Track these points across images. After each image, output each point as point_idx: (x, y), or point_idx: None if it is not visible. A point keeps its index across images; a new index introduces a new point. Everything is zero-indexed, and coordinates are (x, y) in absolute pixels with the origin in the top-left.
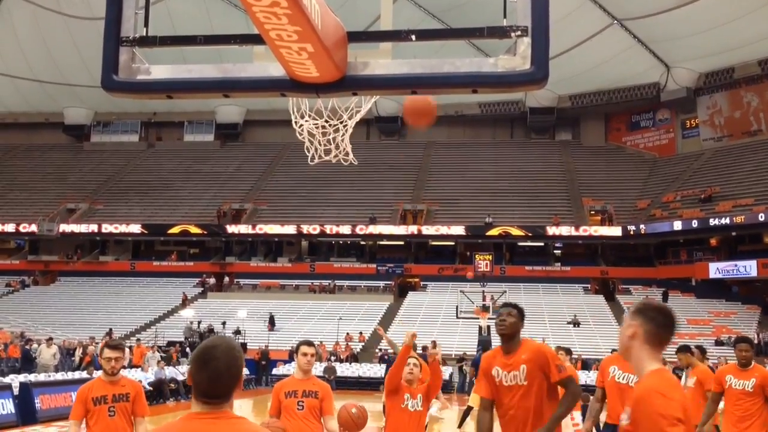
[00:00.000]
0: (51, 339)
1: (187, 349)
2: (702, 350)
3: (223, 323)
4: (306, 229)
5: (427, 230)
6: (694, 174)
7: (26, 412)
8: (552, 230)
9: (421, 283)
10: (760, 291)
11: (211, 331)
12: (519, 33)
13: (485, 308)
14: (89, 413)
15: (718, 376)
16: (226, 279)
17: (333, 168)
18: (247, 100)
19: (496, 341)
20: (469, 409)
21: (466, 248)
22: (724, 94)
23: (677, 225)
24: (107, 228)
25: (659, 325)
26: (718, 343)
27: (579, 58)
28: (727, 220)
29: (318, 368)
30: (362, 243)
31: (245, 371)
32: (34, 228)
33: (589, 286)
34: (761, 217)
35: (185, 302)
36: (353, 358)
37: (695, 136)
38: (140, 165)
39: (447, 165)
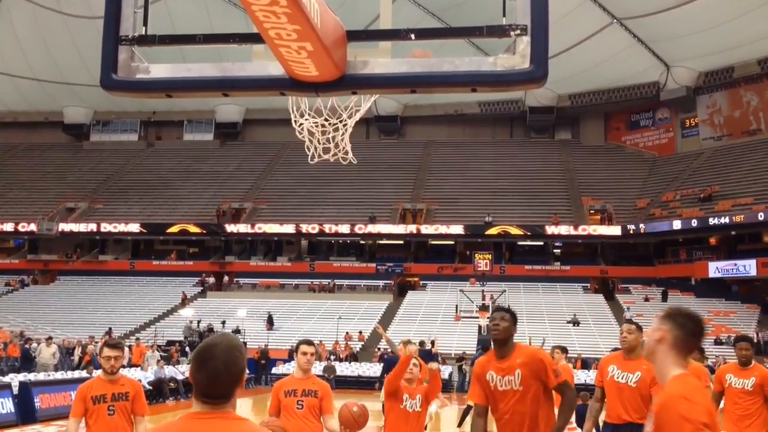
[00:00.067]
0: (50, 338)
1: (187, 349)
2: (700, 350)
3: (223, 322)
4: (305, 228)
5: (426, 229)
6: (693, 173)
7: (26, 411)
8: (551, 229)
9: (421, 282)
10: (760, 290)
11: (210, 330)
12: (518, 32)
13: (485, 307)
14: (88, 412)
15: (719, 375)
16: (226, 278)
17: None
18: (247, 100)
19: None
20: (469, 408)
21: (466, 247)
22: (723, 93)
23: (677, 224)
24: (106, 227)
25: (689, 333)
26: (718, 342)
27: (578, 57)
28: (727, 220)
29: (317, 367)
30: (362, 242)
31: None
32: (33, 227)
33: (588, 285)
34: (761, 217)
35: (185, 301)
36: (353, 357)
37: (695, 135)
38: (140, 164)
39: (446, 164)
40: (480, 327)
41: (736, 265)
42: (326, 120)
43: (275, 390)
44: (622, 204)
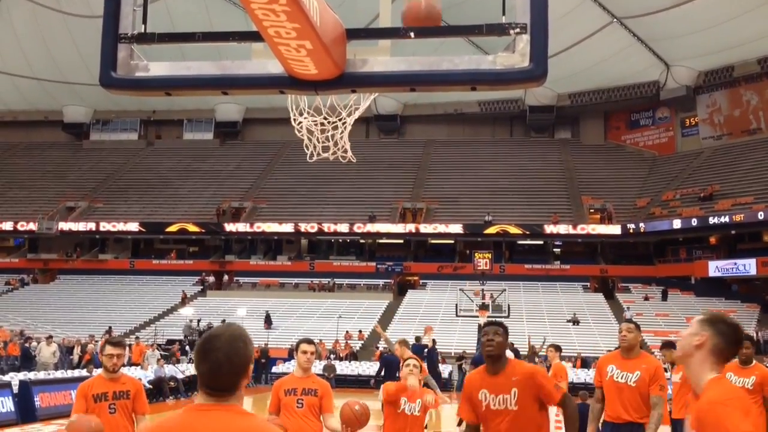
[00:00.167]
0: (51, 337)
1: (187, 348)
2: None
3: (223, 321)
4: (304, 227)
5: (425, 228)
6: (693, 172)
7: (26, 410)
8: (550, 229)
9: (421, 281)
10: (760, 289)
11: (210, 329)
12: (518, 30)
13: (485, 306)
14: (90, 410)
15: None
16: (226, 277)
17: (332, 166)
18: (247, 98)
19: None
20: None
21: (466, 247)
22: (723, 92)
23: (677, 223)
24: (105, 226)
25: (729, 342)
26: None
27: (578, 57)
28: (727, 219)
29: (317, 366)
30: (362, 241)
31: None
32: (33, 226)
33: (588, 284)
34: (761, 216)
35: (185, 300)
36: (353, 356)
37: (695, 134)
38: (139, 163)
39: (446, 163)
40: (479, 326)
41: (736, 264)
42: (325, 119)
43: (275, 389)
44: (622, 203)
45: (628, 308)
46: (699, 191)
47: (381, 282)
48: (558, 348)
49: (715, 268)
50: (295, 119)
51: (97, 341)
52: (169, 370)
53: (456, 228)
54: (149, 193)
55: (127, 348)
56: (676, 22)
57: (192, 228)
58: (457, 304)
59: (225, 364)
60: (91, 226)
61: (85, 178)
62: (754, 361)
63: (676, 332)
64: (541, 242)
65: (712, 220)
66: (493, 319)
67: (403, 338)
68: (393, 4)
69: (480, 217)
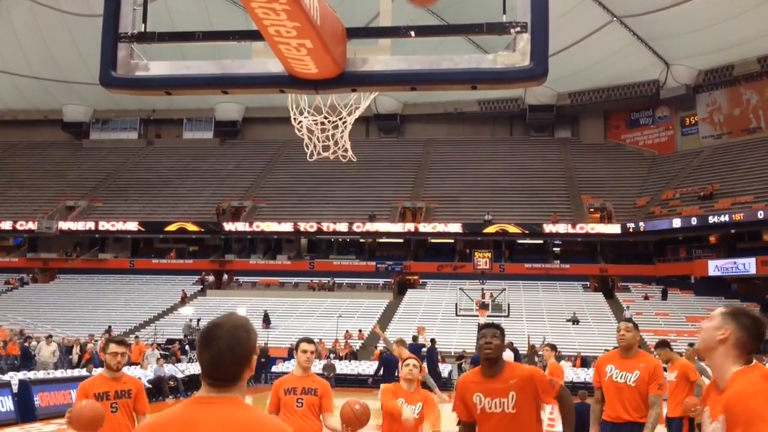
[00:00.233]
0: (50, 336)
1: (187, 347)
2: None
3: None
4: (304, 226)
5: (425, 228)
6: (693, 171)
7: (25, 409)
8: (549, 228)
9: (421, 280)
10: (759, 288)
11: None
12: (518, 29)
13: (484, 306)
14: None
15: None
16: (226, 277)
17: (332, 166)
18: (247, 98)
19: None
20: None
21: (466, 246)
22: (723, 91)
23: (676, 222)
24: (104, 225)
25: (752, 336)
26: None
27: (578, 56)
28: (727, 218)
29: (317, 366)
30: (361, 241)
31: None
32: (33, 225)
33: (588, 283)
34: (760, 215)
35: (184, 300)
36: (352, 355)
37: (694, 133)
38: (139, 162)
39: (446, 162)
40: (479, 325)
41: (735, 263)
42: (326, 118)
43: (275, 388)
44: (621, 202)
45: (627, 307)
46: (699, 190)
47: (381, 281)
48: (554, 347)
49: (715, 267)
50: (295, 118)
51: (96, 341)
52: (169, 369)
53: (455, 227)
54: (149, 193)
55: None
56: (676, 21)
57: (192, 227)
58: (457, 304)
59: (227, 354)
60: (91, 225)
61: (84, 177)
62: (754, 361)
63: (676, 331)
64: (541, 241)
65: (712, 220)
66: (490, 321)
67: (401, 338)
68: (393, 3)
69: (480, 216)
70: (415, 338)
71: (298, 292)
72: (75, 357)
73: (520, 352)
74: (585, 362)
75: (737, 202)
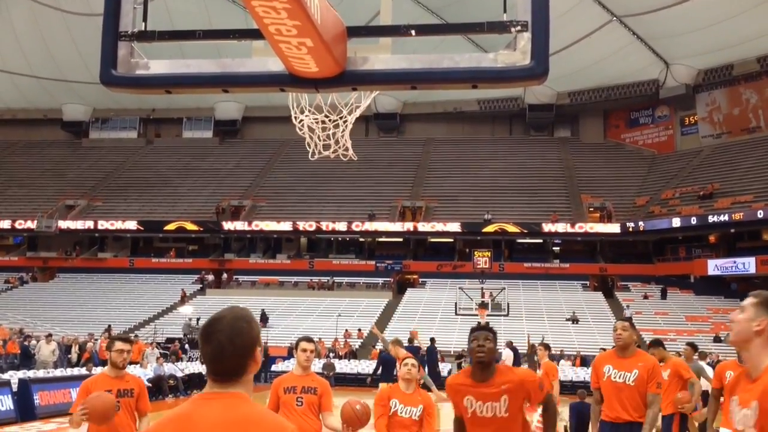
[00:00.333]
0: (50, 335)
1: (186, 346)
2: (694, 347)
3: None
4: (303, 225)
5: (424, 227)
6: (693, 171)
7: (25, 408)
8: (549, 227)
9: (420, 279)
10: (759, 288)
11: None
12: (519, 28)
13: (484, 305)
14: None
15: (718, 372)
16: (225, 276)
17: (332, 165)
18: (247, 97)
19: None
20: None
21: (465, 245)
22: (723, 91)
23: (676, 222)
24: (104, 224)
25: None
26: (717, 339)
27: (578, 55)
28: (726, 217)
29: (317, 365)
30: (361, 240)
31: None
32: (32, 224)
33: (587, 283)
34: (760, 214)
35: (184, 299)
36: (352, 354)
37: (694, 133)
38: (139, 162)
39: (446, 162)
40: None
41: (735, 262)
42: (326, 117)
43: (274, 387)
44: (621, 202)
45: (627, 307)
46: (698, 190)
47: (380, 280)
48: (547, 346)
49: (715, 266)
50: (296, 117)
51: (96, 340)
52: (169, 368)
53: (455, 226)
54: (148, 192)
55: None
56: (676, 20)
57: (191, 226)
58: (456, 303)
59: (228, 346)
60: (90, 224)
61: (84, 176)
62: None
63: (676, 330)
64: (541, 241)
65: (712, 219)
66: (483, 324)
67: (396, 338)
68: (393, 2)
69: (479, 215)
70: (410, 341)
71: (298, 291)
72: (74, 356)
73: (520, 351)
74: (584, 361)
75: (737, 201)
